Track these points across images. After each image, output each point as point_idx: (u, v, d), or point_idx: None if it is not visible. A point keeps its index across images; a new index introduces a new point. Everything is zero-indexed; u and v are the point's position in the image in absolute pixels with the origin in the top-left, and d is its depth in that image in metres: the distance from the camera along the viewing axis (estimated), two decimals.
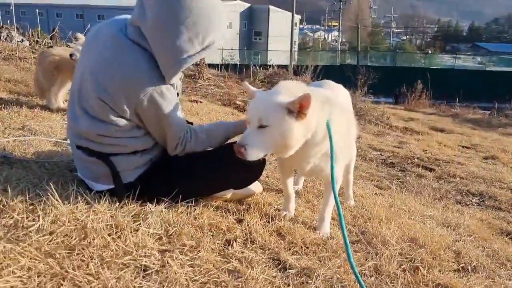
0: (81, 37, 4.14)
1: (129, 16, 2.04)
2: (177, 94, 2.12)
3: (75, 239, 1.71)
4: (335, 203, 2.00)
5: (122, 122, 1.94)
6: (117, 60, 1.89)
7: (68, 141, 2.96)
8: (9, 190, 1.93)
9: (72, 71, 4.23)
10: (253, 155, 1.86)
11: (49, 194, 1.90)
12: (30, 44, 8.60)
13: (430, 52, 51.48)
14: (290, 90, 1.94)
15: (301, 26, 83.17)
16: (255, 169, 2.28)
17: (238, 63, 18.70)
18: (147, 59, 1.90)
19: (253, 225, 2.13)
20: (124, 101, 1.90)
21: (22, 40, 8.58)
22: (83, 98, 1.98)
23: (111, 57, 1.90)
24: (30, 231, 1.69)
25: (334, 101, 2.14)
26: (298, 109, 1.83)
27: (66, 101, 4.71)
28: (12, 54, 7.12)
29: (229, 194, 2.35)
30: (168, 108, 1.96)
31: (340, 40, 62.26)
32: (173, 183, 2.10)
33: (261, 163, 2.29)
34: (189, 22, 1.83)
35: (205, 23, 1.86)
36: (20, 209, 1.82)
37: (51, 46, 8.15)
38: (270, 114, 1.85)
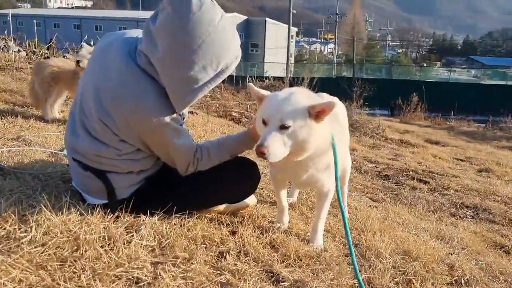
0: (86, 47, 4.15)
1: (139, 31, 2.00)
2: (183, 118, 2.10)
3: (67, 250, 1.70)
4: (342, 216, 2.04)
5: (123, 145, 1.92)
6: (124, 89, 1.84)
7: (64, 152, 2.96)
8: (2, 201, 1.93)
9: (70, 82, 4.28)
10: (275, 156, 1.84)
11: (42, 205, 1.89)
12: (26, 55, 8.63)
13: (425, 65, 51.96)
14: (305, 93, 1.98)
15: (297, 38, 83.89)
16: (249, 185, 2.29)
17: (235, 74, 18.75)
18: (155, 90, 1.86)
19: (246, 237, 2.13)
20: (128, 129, 1.88)
21: (19, 51, 8.61)
22: (85, 115, 1.95)
23: (118, 85, 1.85)
24: (22, 243, 1.68)
25: (334, 112, 2.17)
26: (316, 113, 1.85)
27: (62, 111, 4.71)
28: (9, 64, 7.13)
29: (222, 206, 2.36)
30: (174, 137, 1.94)
31: (336, 52, 62.64)
32: (167, 199, 2.09)
33: (256, 178, 2.30)
34: (201, 50, 1.78)
35: (217, 49, 1.81)
36: (12, 220, 1.81)
37: (48, 57, 8.18)
38: (293, 115, 1.84)
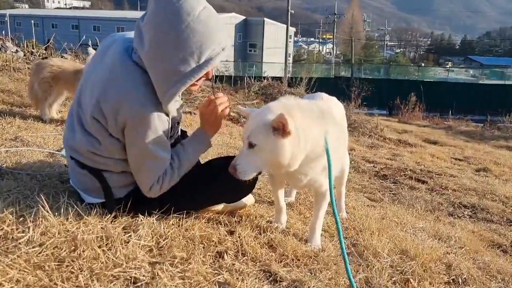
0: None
1: None
2: (178, 122, 2.12)
3: (65, 251, 1.70)
4: (335, 219, 2.03)
5: (114, 143, 1.91)
6: (114, 78, 1.85)
7: (62, 152, 2.96)
8: (0, 202, 1.93)
9: (70, 82, 4.29)
10: (245, 174, 1.92)
11: (39, 205, 1.89)
12: (24, 55, 8.60)
13: (423, 64, 52.00)
14: (283, 106, 1.95)
15: (295, 38, 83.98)
16: (247, 185, 2.29)
17: (233, 75, 18.80)
18: (146, 82, 1.84)
19: (244, 237, 2.13)
20: (115, 120, 1.84)
21: (17, 51, 8.58)
22: (81, 109, 1.97)
23: (109, 75, 1.86)
24: (19, 243, 1.69)
25: (329, 114, 2.16)
26: (282, 126, 1.84)
27: (60, 111, 4.71)
28: (6, 64, 7.10)
29: (220, 206, 2.36)
30: (152, 140, 1.87)
31: (334, 52, 62.72)
32: (164, 199, 2.08)
33: (253, 179, 2.29)
34: (181, 41, 1.76)
35: (199, 39, 1.78)
36: (10, 220, 1.81)
37: (46, 57, 8.16)
38: (256, 133, 1.89)
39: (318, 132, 1.98)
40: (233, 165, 1.92)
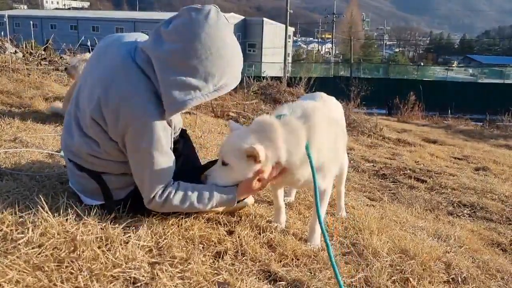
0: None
1: (141, 34, 2.04)
2: (179, 128, 2.16)
3: (64, 251, 1.70)
4: (318, 220, 2.08)
5: (113, 146, 1.91)
6: (117, 81, 1.84)
7: (61, 153, 2.96)
8: None
9: None
10: None
11: (39, 206, 1.89)
12: (23, 56, 8.60)
13: (422, 64, 52.01)
14: (261, 129, 2.03)
15: (294, 38, 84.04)
16: None
17: None
18: (148, 88, 1.85)
19: (244, 237, 2.13)
20: (115, 124, 1.84)
21: (16, 52, 8.58)
22: (79, 111, 1.96)
23: (111, 77, 1.86)
24: (19, 244, 1.68)
25: (315, 117, 2.14)
26: (253, 156, 1.96)
27: None
28: (5, 65, 7.10)
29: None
30: (154, 148, 1.86)
31: (334, 52, 62.74)
32: None
33: None
34: (208, 62, 1.81)
35: (223, 65, 1.85)
36: (9, 221, 1.81)
37: (45, 58, 8.15)
38: (229, 154, 2.03)
39: (293, 146, 2.04)
40: (205, 175, 2.07)
